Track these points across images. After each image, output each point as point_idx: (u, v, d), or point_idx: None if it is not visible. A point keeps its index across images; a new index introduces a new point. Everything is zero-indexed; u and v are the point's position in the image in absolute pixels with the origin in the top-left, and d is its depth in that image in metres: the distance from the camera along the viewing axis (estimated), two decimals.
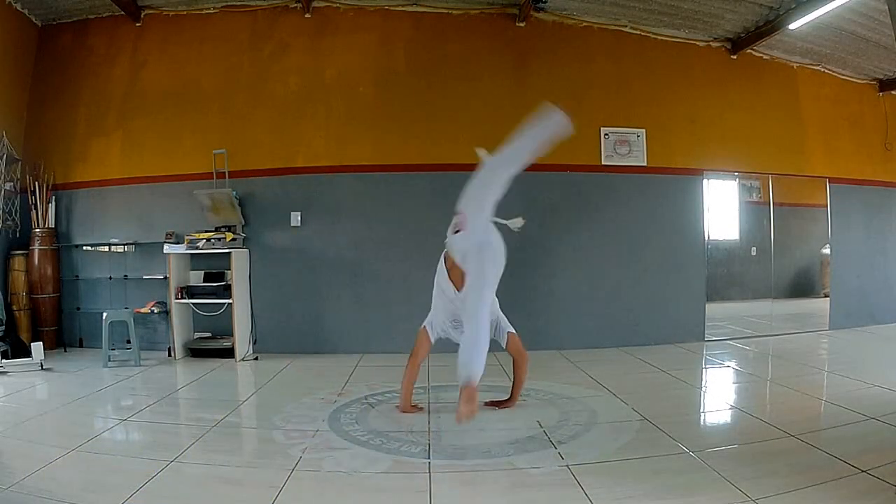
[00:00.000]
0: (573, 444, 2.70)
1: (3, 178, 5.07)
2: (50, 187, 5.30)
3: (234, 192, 5.00)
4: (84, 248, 5.38)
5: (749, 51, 5.73)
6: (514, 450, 2.62)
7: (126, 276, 5.26)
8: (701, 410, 3.57)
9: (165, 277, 4.97)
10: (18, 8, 5.25)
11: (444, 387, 3.89)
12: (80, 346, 5.33)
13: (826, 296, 6.07)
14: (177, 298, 4.87)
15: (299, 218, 5.19)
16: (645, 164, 5.41)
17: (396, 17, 5.33)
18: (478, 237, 3.20)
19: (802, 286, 6.26)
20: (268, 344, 5.07)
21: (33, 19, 5.46)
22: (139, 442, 2.88)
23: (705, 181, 5.58)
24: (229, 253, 4.88)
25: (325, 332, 5.16)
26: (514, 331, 3.35)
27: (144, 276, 5.21)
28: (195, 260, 5.11)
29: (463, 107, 5.26)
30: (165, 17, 5.41)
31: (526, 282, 5.21)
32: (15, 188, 5.26)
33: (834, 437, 2.69)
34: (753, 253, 5.94)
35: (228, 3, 5.33)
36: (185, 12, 5.38)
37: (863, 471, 2.22)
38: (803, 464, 2.35)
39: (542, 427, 2.95)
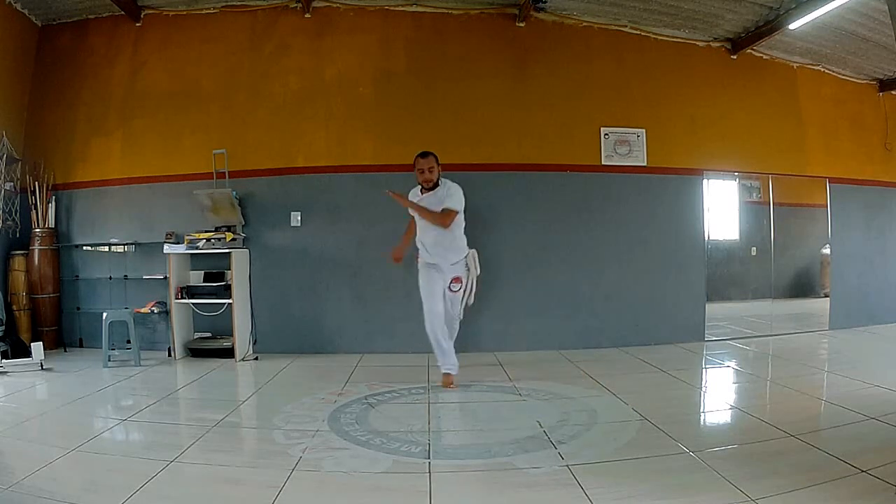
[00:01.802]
0: (573, 444, 2.70)
1: (3, 178, 5.07)
2: (50, 187, 5.30)
3: (234, 192, 5.00)
4: (84, 248, 5.38)
5: (749, 51, 5.73)
6: (514, 450, 2.62)
7: (126, 276, 5.26)
8: (701, 410, 3.57)
9: (165, 277, 4.97)
10: (18, 8, 5.25)
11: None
12: (80, 346, 5.33)
13: (826, 296, 6.07)
14: (177, 298, 4.87)
15: (299, 218, 5.19)
16: (645, 164, 5.41)
17: (396, 17, 5.33)
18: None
19: (802, 286, 6.26)
20: (268, 344, 5.08)
21: (33, 19, 5.46)
22: (139, 442, 2.88)
23: (705, 181, 5.58)
24: (229, 253, 4.88)
25: (325, 332, 5.16)
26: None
27: (144, 276, 5.21)
28: (195, 260, 5.11)
29: (463, 107, 5.27)
30: (165, 17, 5.41)
31: (526, 281, 5.21)
32: (15, 188, 5.25)
33: (834, 437, 2.69)
34: (753, 253, 5.94)
35: (228, 3, 5.33)
36: (185, 12, 5.38)
37: (863, 471, 2.22)
38: (803, 464, 2.35)
39: (542, 427, 2.95)
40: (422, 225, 3.98)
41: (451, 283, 4.01)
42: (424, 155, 3.96)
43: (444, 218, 3.86)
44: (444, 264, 3.97)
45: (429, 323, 3.93)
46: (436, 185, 3.96)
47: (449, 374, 3.91)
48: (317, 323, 5.16)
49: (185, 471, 2.41)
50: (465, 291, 4.08)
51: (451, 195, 3.90)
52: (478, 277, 4.13)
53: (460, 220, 3.98)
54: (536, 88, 5.35)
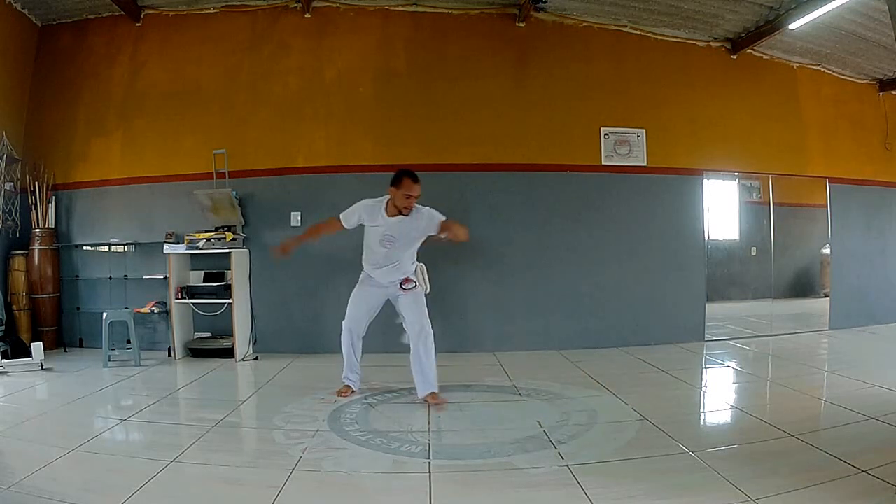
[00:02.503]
0: (573, 444, 2.70)
1: (3, 178, 5.07)
2: (50, 187, 5.30)
3: (234, 192, 5.00)
4: (84, 248, 5.38)
5: (749, 51, 5.73)
6: (514, 450, 2.62)
7: (126, 276, 5.26)
8: (701, 410, 3.57)
9: (165, 277, 4.97)
10: (18, 8, 5.25)
11: (444, 387, 3.89)
12: (80, 346, 5.33)
13: (826, 296, 6.07)
14: (177, 298, 4.87)
15: (299, 218, 5.19)
16: (645, 164, 5.41)
17: (396, 17, 5.33)
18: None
19: (802, 286, 6.26)
20: (268, 344, 5.08)
21: (33, 19, 5.46)
22: (139, 442, 2.88)
23: (705, 181, 5.58)
24: (229, 253, 4.88)
25: (325, 332, 5.14)
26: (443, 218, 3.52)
27: (144, 276, 5.21)
28: (195, 260, 5.11)
29: (463, 107, 5.27)
30: (165, 17, 5.41)
31: (526, 281, 5.21)
32: (15, 188, 5.25)
33: (834, 437, 2.69)
34: (753, 253, 5.94)
35: (228, 3, 5.33)
36: (185, 12, 5.38)
37: (863, 471, 2.22)
38: (803, 464, 2.35)
39: (542, 427, 2.95)
40: (373, 246, 3.58)
41: (401, 283, 3.59)
42: (417, 180, 3.46)
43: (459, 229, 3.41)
44: (390, 283, 3.62)
45: (346, 330, 3.70)
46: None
47: (349, 387, 3.70)
48: (317, 323, 5.16)
49: (185, 471, 2.41)
50: (422, 291, 3.67)
51: (433, 215, 3.51)
52: (427, 295, 3.74)
53: (416, 246, 3.64)
54: (536, 88, 5.35)
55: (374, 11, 5.32)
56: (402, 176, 3.45)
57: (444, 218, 3.50)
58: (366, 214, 3.58)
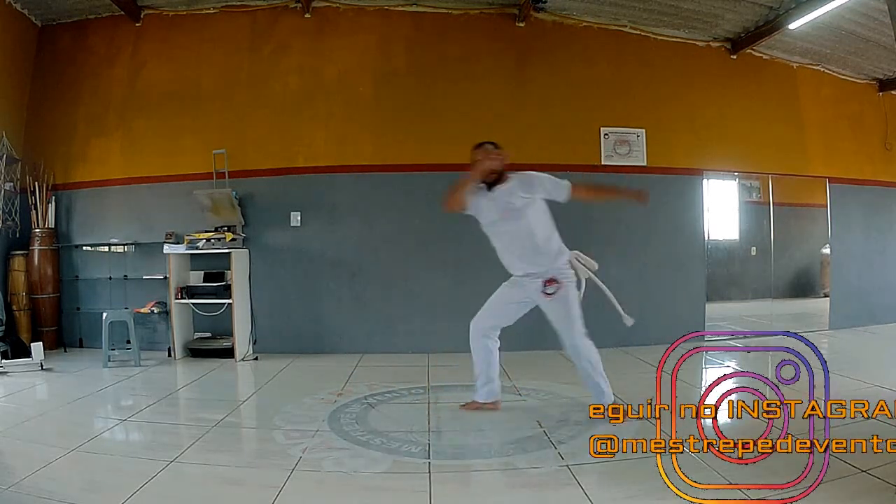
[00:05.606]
0: (573, 444, 2.70)
1: (3, 178, 5.07)
2: (50, 187, 5.29)
3: (234, 192, 4.99)
4: (84, 248, 5.38)
5: (749, 51, 5.73)
6: (514, 450, 2.62)
7: (126, 276, 5.25)
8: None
9: (165, 277, 4.96)
10: (18, 8, 5.25)
11: (445, 387, 3.89)
12: (80, 346, 5.33)
13: (826, 296, 6.06)
14: (177, 298, 4.86)
15: (299, 218, 5.19)
16: (645, 164, 5.41)
17: (396, 17, 5.33)
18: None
19: (802, 286, 6.26)
20: (268, 344, 5.07)
21: (33, 19, 5.46)
22: (139, 442, 2.89)
23: (705, 181, 5.58)
24: (229, 253, 4.88)
25: (325, 332, 5.16)
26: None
27: (144, 276, 5.20)
28: (195, 260, 5.11)
29: (463, 107, 5.26)
30: (165, 17, 5.41)
31: None
32: (15, 188, 5.25)
33: (834, 437, 2.68)
34: (753, 253, 5.94)
35: (228, 3, 5.33)
36: (184, 12, 5.38)
37: (863, 471, 2.23)
38: (803, 463, 2.35)
39: (542, 427, 2.95)
40: (490, 237, 3.29)
41: (544, 284, 3.21)
42: (480, 145, 3.30)
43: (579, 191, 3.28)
44: (527, 278, 3.27)
45: (472, 330, 3.44)
46: (500, 178, 3.22)
47: (475, 401, 3.33)
48: (317, 323, 5.16)
49: (185, 471, 2.41)
50: (570, 296, 3.30)
51: (541, 179, 3.27)
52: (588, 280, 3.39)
53: (543, 221, 3.33)
54: (536, 88, 5.35)
55: (374, 11, 5.32)
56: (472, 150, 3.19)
57: (546, 176, 3.24)
58: (472, 198, 3.24)
